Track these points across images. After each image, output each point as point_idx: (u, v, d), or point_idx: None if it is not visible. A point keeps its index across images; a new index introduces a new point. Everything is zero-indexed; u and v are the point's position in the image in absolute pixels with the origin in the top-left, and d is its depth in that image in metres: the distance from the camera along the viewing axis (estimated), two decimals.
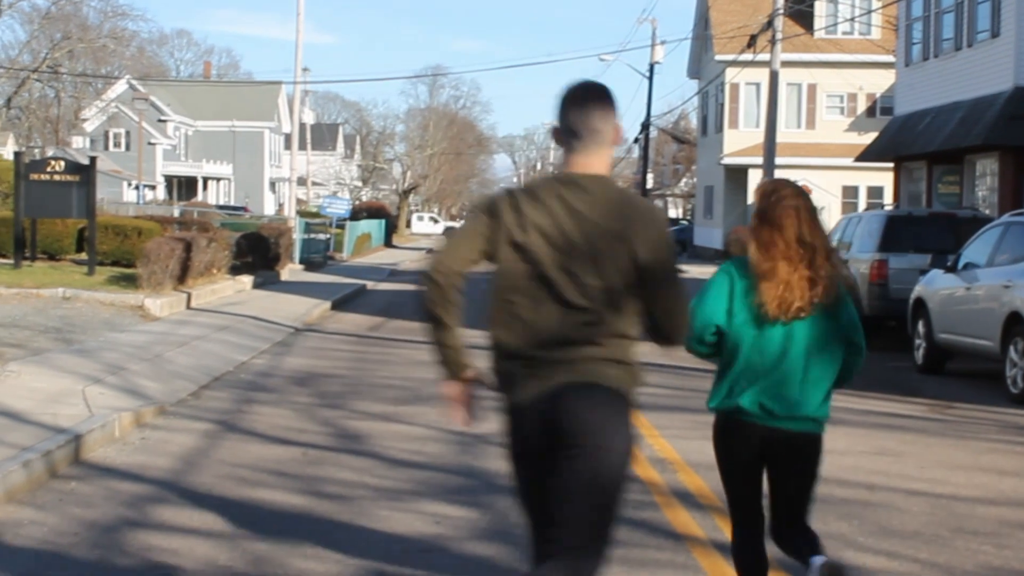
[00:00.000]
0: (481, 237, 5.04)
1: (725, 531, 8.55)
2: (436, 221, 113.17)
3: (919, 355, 18.87)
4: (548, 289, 4.90)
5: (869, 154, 35.81)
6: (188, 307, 24.21)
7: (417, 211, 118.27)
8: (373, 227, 66.80)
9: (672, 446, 11.66)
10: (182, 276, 25.30)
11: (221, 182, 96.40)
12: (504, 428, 5.30)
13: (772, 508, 6.28)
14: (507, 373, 5.23)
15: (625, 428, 4.92)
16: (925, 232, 21.95)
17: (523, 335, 5.10)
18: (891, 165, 35.72)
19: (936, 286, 18.53)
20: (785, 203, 5.94)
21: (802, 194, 6.06)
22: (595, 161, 4.91)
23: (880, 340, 22.10)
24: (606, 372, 4.88)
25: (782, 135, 45.73)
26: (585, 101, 4.94)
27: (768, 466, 6.22)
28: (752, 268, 5.97)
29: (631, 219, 4.80)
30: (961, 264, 17.94)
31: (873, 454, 11.71)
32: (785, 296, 5.89)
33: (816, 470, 6.29)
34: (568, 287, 4.83)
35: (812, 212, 6.01)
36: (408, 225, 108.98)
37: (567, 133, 4.94)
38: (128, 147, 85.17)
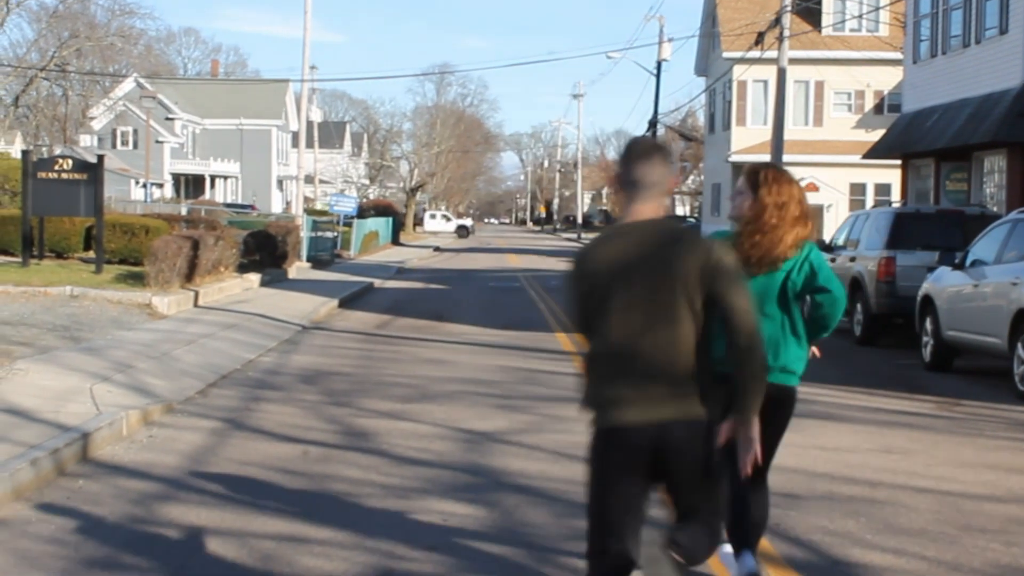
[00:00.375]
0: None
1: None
2: (448, 219, 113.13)
3: (927, 352, 18.84)
4: None
5: (877, 151, 35.75)
6: (196, 305, 24.23)
7: (429, 209, 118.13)
8: (380, 225, 66.81)
9: None
10: (190, 274, 25.33)
11: (228, 180, 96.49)
12: None
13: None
14: None
15: None
16: (933, 229, 21.92)
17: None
18: (899, 162, 35.66)
19: (944, 283, 18.51)
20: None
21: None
22: (653, 208, 5.51)
23: (888, 337, 22.12)
24: None
25: (790, 132, 45.68)
26: (650, 156, 5.54)
27: None
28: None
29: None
30: (969, 261, 17.91)
31: (880, 451, 11.70)
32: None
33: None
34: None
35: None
36: (420, 223, 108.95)
37: (630, 184, 5.51)
38: (136, 145, 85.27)
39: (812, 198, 53.01)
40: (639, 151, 5.58)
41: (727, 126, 58.83)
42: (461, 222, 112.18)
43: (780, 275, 6.88)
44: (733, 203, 7.10)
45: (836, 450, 11.71)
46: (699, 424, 5.33)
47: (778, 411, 6.91)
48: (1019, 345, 15.73)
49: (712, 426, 5.40)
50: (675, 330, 5.30)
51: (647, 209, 5.49)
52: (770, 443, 6.92)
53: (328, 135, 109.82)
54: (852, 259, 23.12)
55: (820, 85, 56.08)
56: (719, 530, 5.71)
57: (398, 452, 11.15)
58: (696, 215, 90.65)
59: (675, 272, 5.30)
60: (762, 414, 5.78)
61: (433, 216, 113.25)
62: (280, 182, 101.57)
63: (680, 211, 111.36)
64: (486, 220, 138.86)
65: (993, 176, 29.04)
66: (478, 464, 10.70)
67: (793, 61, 43.89)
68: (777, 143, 39.05)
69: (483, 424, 12.70)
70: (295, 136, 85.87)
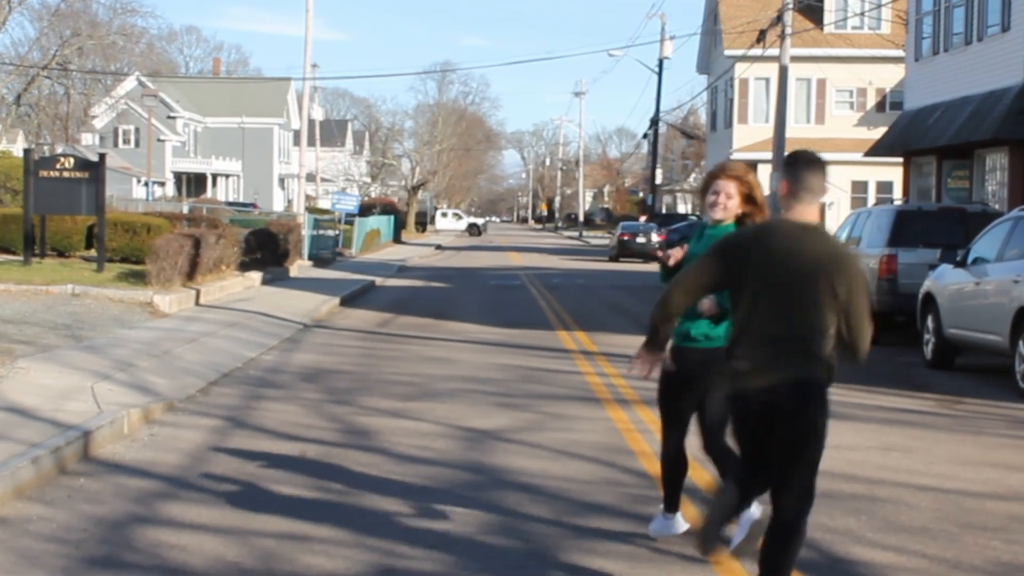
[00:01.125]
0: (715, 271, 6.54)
1: (735, 528, 8.55)
2: (459, 217, 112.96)
3: (928, 350, 18.83)
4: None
5: (878, 149, 35.75)
6: (197, 303, 24.24)
7: (440, 208, 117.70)
8: (382, 223, 66.82)
9: None
10: (191, 273, 25.33)
11: (230, 178, 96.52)
12: None
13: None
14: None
15: None
16: (934, 227, 21.90)
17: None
18: (900, 160, 35.65)
19: (945, 281, 18.50)
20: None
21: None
22: (813, 211, 6.41)
23: (889, 335, 22.08)
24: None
25: (791, 130, 45.68)
26: (816, 166, 6.44)
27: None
28: None
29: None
30: (971, 259, 17.90)
31: (881, 449, 11.70)
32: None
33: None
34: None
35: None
36: (432, 221, 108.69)
37: (803, 190, 6.36)
38: (137, 144, 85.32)
39: None
40: (808, 160, 6.47)
41: (729, 124, 58.82)
42: (472, 220, 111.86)
43: None
44: (718, 205, 7.83)
45: (837, 448, 11.68)
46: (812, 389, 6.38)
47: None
48: (1020, 343, 15.72)
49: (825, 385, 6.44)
50: (819, 315, 6.25)
51: (809, 212, 6.38)
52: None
53: (330, 133, 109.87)
54: None
55: (822, 83, 56.09)
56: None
57: (399, 450, 11.15)
58: (698, 213, 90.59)
59: (826, 272, 6.24)
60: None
61: (444, 215, 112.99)
62: (282, 180, 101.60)
63: (681, 209, 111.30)
64: (488, 218, 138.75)
65: (995, 174, 29.03)
66: (480, 462, 10.70)
67: (795, 59, 43.89)
68: (779, 141, 39.04)
69: (484, 422, 12.71)
70: (297, 134, 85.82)
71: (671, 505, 8.20)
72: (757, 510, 7.39)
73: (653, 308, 6.77)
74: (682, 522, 8.21)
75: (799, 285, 6.27)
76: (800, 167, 6.43)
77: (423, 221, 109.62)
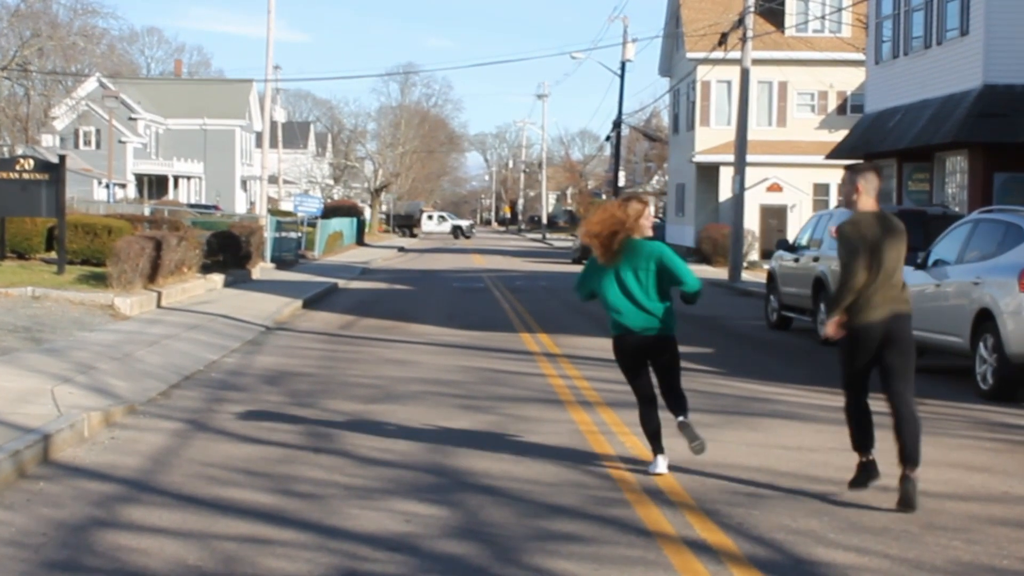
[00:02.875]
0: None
1: (696, 528, 8.59)
2: (444, 219, 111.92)
3: None
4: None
5: (840, 152, 35.91)
6: (159, 306, 24.12)
7: (426, 210, 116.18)
8: (345, 225, 66.68)
9: (642, 443, 11.65)
10: (152, 275, 25.20)
11: (192, 180, 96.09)
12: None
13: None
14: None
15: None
16: None
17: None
18: (861, 163, 35.83)
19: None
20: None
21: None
22: (875, 203, 9.69)
23: None
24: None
25: (753, 133, 45.88)
26: (874, 172, 9.77)
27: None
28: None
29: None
30: (931, 261, 17.99)
31: (843, 450, 11.67)
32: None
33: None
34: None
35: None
36: (418, 224, 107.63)
37: (870, 190, 9.65)
38: (98, 145, 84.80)
39: (776, 198, 53.50)
40: (871, 168, 9.78)
41: (691, 126, 58.98)
42: (456, 222, 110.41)
43: None
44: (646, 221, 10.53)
45: (799, 449, 11.75)
46: (909, 316, 9.74)
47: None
48: (981, 344, 15.82)
49: (903, 319, 9.69)
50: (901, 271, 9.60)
51: (873, 203, 9.61)
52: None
53: (292, 135, 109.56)
54: (815, 259, 23.20)
55: (783, 86, 56.29)
56: None
57: (362, 453, 11.12)
58: (661, 215, 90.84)
59: (900, 240, 9.51)
60: (652, 350, 10.33)
61: (431, 217, 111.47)
62: (244, 182, 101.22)
63: None
64: (471, 221, 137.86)
65: (955, 176, 29.23)
66: (442, 464, 10.68)
67: (756, 62, 44.07)
68: (740, 143, 39.21)
69: (447, 424, 12.69)
70: (259, 136, 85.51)
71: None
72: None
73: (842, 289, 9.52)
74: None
75: (891, 252, 9.59)
76: (867, 174, 9.72)
77: (408, 224, 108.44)
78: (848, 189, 9.65)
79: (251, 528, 8.41)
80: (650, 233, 10.36)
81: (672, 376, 10.41)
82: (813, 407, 14.50)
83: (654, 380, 10.46)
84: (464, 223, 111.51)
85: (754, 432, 12.65)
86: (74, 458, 10.57)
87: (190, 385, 15.24)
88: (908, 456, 9.29)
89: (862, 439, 9.81)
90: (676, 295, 10.45)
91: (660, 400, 10.40)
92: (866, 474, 9.71)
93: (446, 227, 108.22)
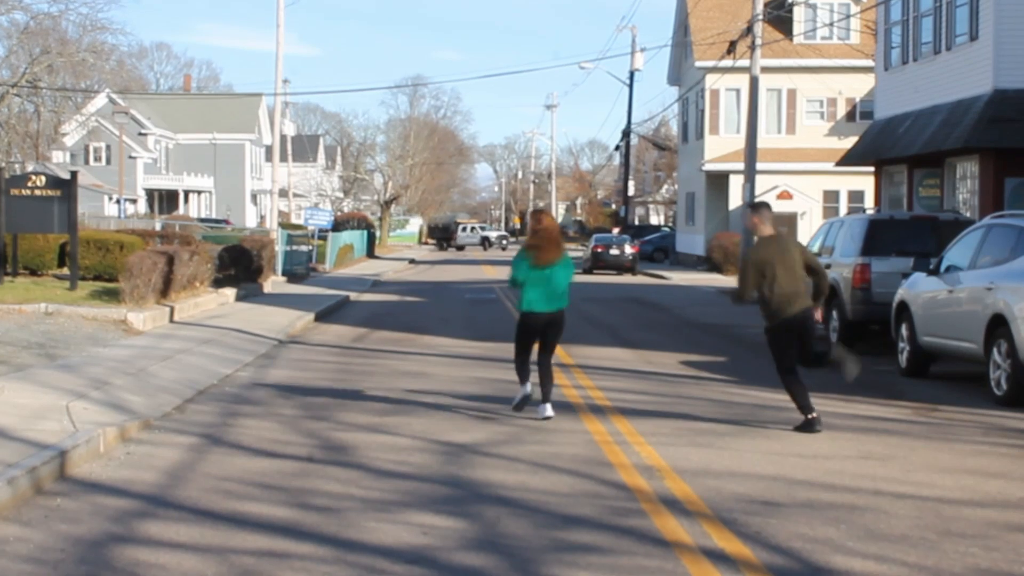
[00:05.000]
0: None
1: (714, 537, 8.58)
2: (475, 230, 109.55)
3: (903, 358, 18.88)
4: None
5: (850, 158, 35.89)
6: (171, 321, 24.15)
7: (461, 222, 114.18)
8: (355, 238, 66.73)
9: (658, 453, 11.67)
10: (165, 290, 25.23)
11: (202, 195, 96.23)
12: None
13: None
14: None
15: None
16: (907, 235, 21.98)
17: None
18: (872, 169, 35.79)
19: (919, 289, 18.56)
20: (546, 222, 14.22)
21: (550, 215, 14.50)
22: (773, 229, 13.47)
23: (864, 344, 22.14)
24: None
25: (762, 140, 45.87)
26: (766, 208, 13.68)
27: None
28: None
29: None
30: (944, 267, 17.96)
31: (859, 458, 11.72)
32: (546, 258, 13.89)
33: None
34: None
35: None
36: (453, 238, 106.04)
37: (768, 219, 13.46)
38: (109, 161, 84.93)
39: (786, 206, 53.50)
40: (765, 205, 13.79)
41: (700, 135, 58.98)
42: (485, 233, 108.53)
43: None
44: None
45: (815, 457, 11.73)
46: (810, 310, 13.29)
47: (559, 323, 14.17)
48: (995, 350, 15.78)
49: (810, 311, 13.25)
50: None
51: (771, 229, 13.36)
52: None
53: (301, 149, 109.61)
54: (827, 266, 23.13)
55: (792, 93, 56.31)
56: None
57: (377, 465, 11.13)
58: (670, 224, 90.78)
59: (794, 254, 13.23)
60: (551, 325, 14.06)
61: (464, 229, 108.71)
62: (254, 196, 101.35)
63: (654, 220, 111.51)
64: (502, 232, 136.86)
65: (966, 182, 29.18)
66: (457, 476, 10.68)
67: (765, 69, 44.05)
68: (750, 151, 39.18)
69: (462, 436, 12.69)
70: (268, 150, 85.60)
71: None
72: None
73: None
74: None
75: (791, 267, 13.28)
76: (765, 210, 13.67)
77: (445, 236, 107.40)
78: (751, 222, 13.58)
79: (269, 542, 8.42)
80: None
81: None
82: (827, 414, 14.45)
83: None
84: (493, 234, 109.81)
85: (769, 440, 12.63)
86: (90, 474, 10.59)
87: (204, 399, 15.25)
88: (804, 407, 13.11)
89: (804, 401, 13.07)
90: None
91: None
92: (809, 425, 12.97)
93: (476, 238, 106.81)
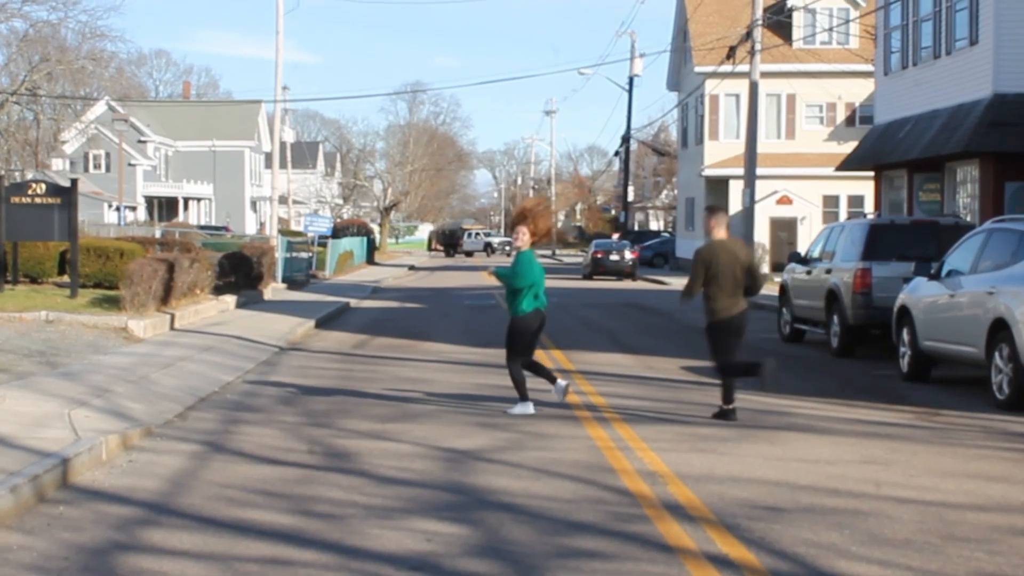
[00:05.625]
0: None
1: (718, 543, 8.57)
2: (479, 236, 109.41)
3: (904, 363, 18.88)
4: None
5: (849, 163, 35.88)
6: (172, 328, 24.14)
7: (468, 230, 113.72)
8: (355, 245, 66.73)
9: (661, 458, 11.65)
10: (165, 297, 25.23)
11: (202, 202, 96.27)
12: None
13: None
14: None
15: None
16: (908, 240, 21.98)
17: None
18: (871, 174, 35.79)
19: (920, 294, 18.56)
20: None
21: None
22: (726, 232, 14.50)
23: (865, 348, 22.16)
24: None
25: (762, 145, 45.83)
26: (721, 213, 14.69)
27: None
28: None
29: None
30: (945, 271, 17.96)
31: (861, 462, 11.72)
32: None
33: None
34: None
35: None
36: (460, 244, 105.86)
37: (718, 225, 14.39)
38: (108, 168, 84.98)
39: (785, 211, 53.47)
40: (720, 210, 14.61)
41: (700, 140, 58.99)
42: (488, 239, 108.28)
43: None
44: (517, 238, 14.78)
45: (817, 462, 11.72)
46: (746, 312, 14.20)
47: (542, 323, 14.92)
48: (996, 354, 15.77)
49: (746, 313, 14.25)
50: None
51: (724, 233, 14.26)
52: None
53: (301, 155, 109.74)
54: (828, 271, 23.18)
55: (792, 98, 56.31)
56: None
57: (380, 472, 11.12)
58: (670, 230, 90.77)
59: (739, 258, 14.07)
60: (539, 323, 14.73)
61: (470, 235, 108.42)
62: (254, 203, 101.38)
63: (654, 225, 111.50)
64: (505, 237, 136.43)
65: (966, 186, 29.18)
66: (460, 483, 10.67)
67: (765, 74, 44.05)
68: (750, 156, 39.18)
69: (464, 442, 12.68)
70: (268, 157, 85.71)
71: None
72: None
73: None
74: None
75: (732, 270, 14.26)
76: (717, 214, 14.48)
77: (452, 243, 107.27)
78: (706, 225, 14.45)
79: (272, 549, 8.41)
80: (519, 245, 14.79)
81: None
82: (829, 419, 14.48)
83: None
84: (496, 239, 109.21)
85: (772, 446, 12.62)
86: (93, 481, 10.58)
87: (206, 407, 15.25)
88: (728, 395, 14.25)
89: (729, 393, 14.20)
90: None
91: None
92: (726, 415, 14.16)
93: (480, 244, 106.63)
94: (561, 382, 14.86)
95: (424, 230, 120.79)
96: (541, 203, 15.51)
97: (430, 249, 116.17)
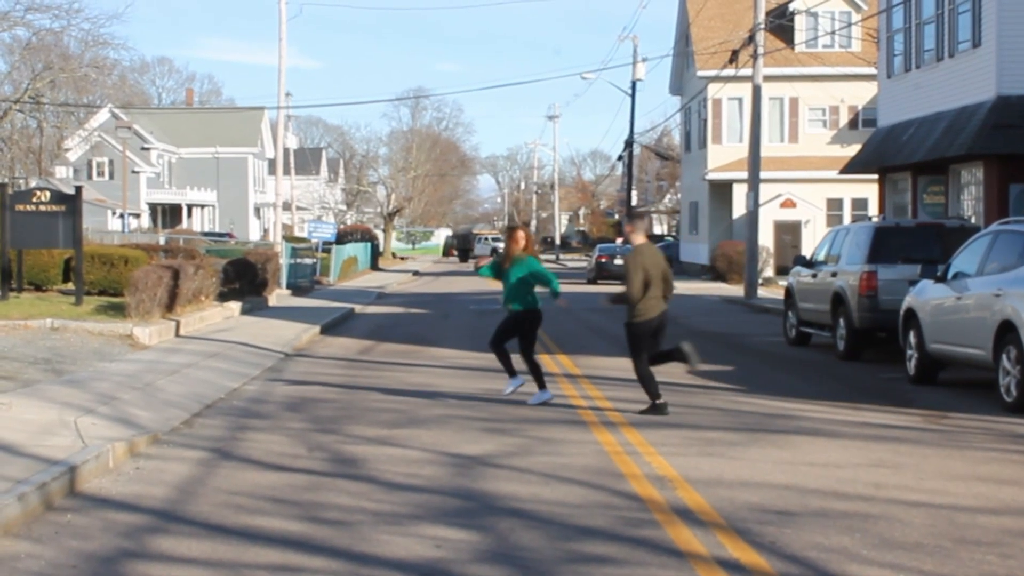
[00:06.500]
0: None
1: (728, 547, 8.54)
2: (488, 241, 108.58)
3: (911, 366, 18.84)
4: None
5: (853, 166, 35.85)
6: (177, 335, 24.13)
7: (479, 235, 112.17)
8: (359, 250, 66.73)
9: (669, 463, 11.63)
10: (170, 304, 25.21)
11: (205, 209, 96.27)
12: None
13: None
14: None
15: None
16: (913, 243, 21.95)
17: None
18: (875, 177, 35.76)
19: (926, 296, 18.53)
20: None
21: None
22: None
23: (871, 351, 22.11)
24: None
25: (765, 149, 45.81)
26: (645, 217, 16.01)
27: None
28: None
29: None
30: (951, 274, 17.92)
31: (870, 466, 11.68)
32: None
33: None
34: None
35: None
36: (472, 249, 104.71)
37: (641, 229, 15.30)
38: (112, 176, 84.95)
39: (789, 214, 53.42)
40: (640, 215, 16.11)
41: (703, 144, 58.96)
42: (495, 245, 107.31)
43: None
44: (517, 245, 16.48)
45: (826, 466, 11.69)
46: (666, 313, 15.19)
47: (535, 320, 16.40)
48: (1004, 356, 15.73)
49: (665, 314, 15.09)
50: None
51: (644, 238, 15.05)
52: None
53: (304, 161, 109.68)
54: (833, 274, 23.14)
55: (794, 101, 56.26)
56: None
57: (388, 478, 11.09)
58: (674, 234, 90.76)
59: (661, 261, 14.99)
60: (525, 322, 16.39)
61: (479, 240, 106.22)
62: (257, 209, 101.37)
63: (658, 230, 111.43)
64: None
65: (970, 188, 29.15)
66: (469, 488, 10.64)
67: (767, 78, 44.05)
68: (754, 160, 39.17)
69: (472, 448, 12.65)
70: (271, 163, 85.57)
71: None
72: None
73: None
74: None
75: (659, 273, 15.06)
76: (640, 219, 15.53)
77: (465, 248, 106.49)
78: (627, 231, 15.42)
79: (281, 556, 8.39)
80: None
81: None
82: (837, 423, 14.44)
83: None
84: (502, 244, 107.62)
85: (780, 449, 12.59)
86: (100, 489, 10.56)
87: (212, 413, 15.23)
88: (654, 393, 14.92)
89: (654, 389, 14.85)
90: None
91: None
92: (656, 409, 14.73)
93: (488, 249, 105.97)
94: (513, 384, 16.24)
95: (440, 235, 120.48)
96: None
97: (445, 254, 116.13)
